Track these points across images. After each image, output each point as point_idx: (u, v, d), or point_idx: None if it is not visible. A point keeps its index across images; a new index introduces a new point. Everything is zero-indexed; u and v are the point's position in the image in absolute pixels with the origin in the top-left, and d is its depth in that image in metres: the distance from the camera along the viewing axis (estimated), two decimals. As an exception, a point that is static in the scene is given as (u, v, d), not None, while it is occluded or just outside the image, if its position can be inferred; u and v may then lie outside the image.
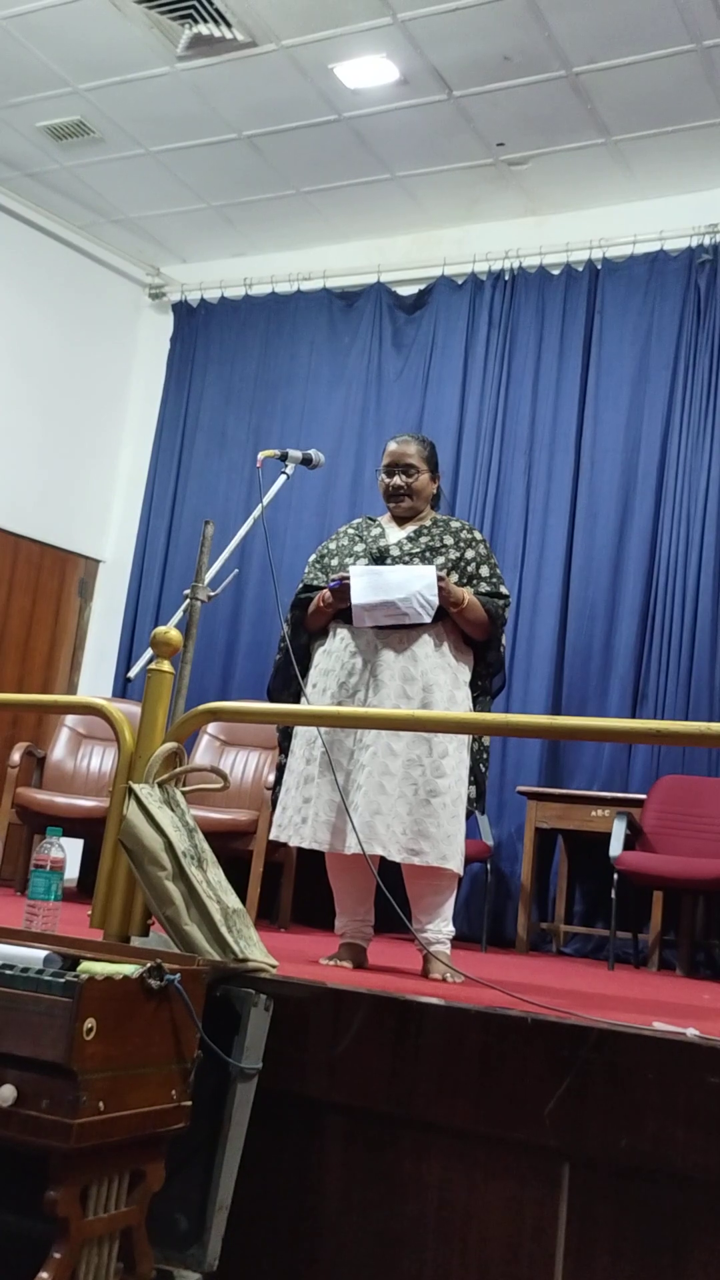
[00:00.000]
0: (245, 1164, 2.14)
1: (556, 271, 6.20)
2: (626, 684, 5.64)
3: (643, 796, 5.29)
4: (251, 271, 7.04)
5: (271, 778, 5.04)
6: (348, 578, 3.27)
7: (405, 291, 6.63)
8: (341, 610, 3.34)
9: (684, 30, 4.91)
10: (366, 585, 3.25)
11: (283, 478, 3.61)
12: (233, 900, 2.37)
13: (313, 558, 3.57)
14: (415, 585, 3.24)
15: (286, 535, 6.46)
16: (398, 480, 3.48)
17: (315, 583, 3.45)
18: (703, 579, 5.56)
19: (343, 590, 3.27)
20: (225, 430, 6.94)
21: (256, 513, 3.42)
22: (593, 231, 6.13)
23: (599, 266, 6.10)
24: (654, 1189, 2.00)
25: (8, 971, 1.83)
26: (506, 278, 6.30)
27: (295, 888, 5.09)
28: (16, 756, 5.42)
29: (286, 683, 3.46)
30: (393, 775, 3.18)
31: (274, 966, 2.34)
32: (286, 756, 3.44)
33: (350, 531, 3.57)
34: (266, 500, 3.47)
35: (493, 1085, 2.10)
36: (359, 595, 3.24)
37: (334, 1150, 2.24)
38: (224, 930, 2.27)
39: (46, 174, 6.56)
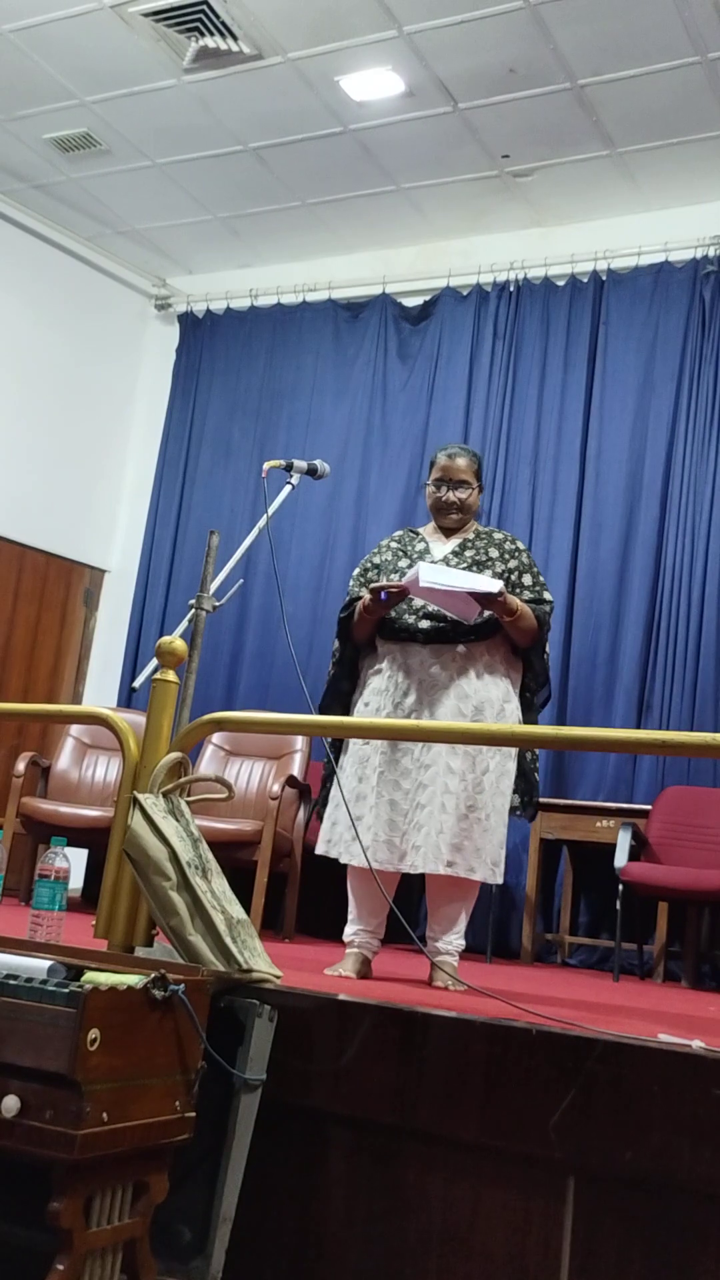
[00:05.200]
0: (249, 1176, 2.14)
1: (561, 283, 6.21)
2: (631, 694, 5.63)
3: (648, 807, 5.28)
4: (257, 283, 7.06)
5: (276, 788, 5.06)
6: (393, 587, 3.27)
7: (410, 302, 6.65)
8: (387, 625, 3.37)
9: (688, 43, 4.92)
10: (435, 571, 3.27)
11: (288, 488, 3.62)
12: (237, 910, 2.37)
13: (356, 571, 3.61)
14: (482, 588, 3.25)
15: (291, 545, 6.47)
16: (450, 496, 3.51)
17: (359, 595, 3.45)
18: (708, 589, 5.56)
19: (389, 599, 3.29)
20: (230, 441, 6.95)
21: (261, 523, 3.43)
22: (598, 243, 6.14)
23: (604, 278, 6.11)
24: (659, 1202, 1.99)
25: (12, 982, 1.82)
26: (511, 289, 6.32)
27: (300, 898, 5.09)
28: (21, 766, 5.42)
29: (337, 698, 3.51)
30: (452, 794, 3.25)
31: (278, 977, 2.34)
32: (335, 768, 3.46)
33: (393, 545, 3.58)
34: (271, 510, 3.47)
35: (497, 1097, 2.09)
36: (428, 577, 3.22)
37: (338, 1162, 2.23)
38: (228, 940, 2.27)
39: (53, 186, 6.59)
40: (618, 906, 4.86)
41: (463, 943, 3.37)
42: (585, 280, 6.15)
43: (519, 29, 4.93)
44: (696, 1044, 2.08)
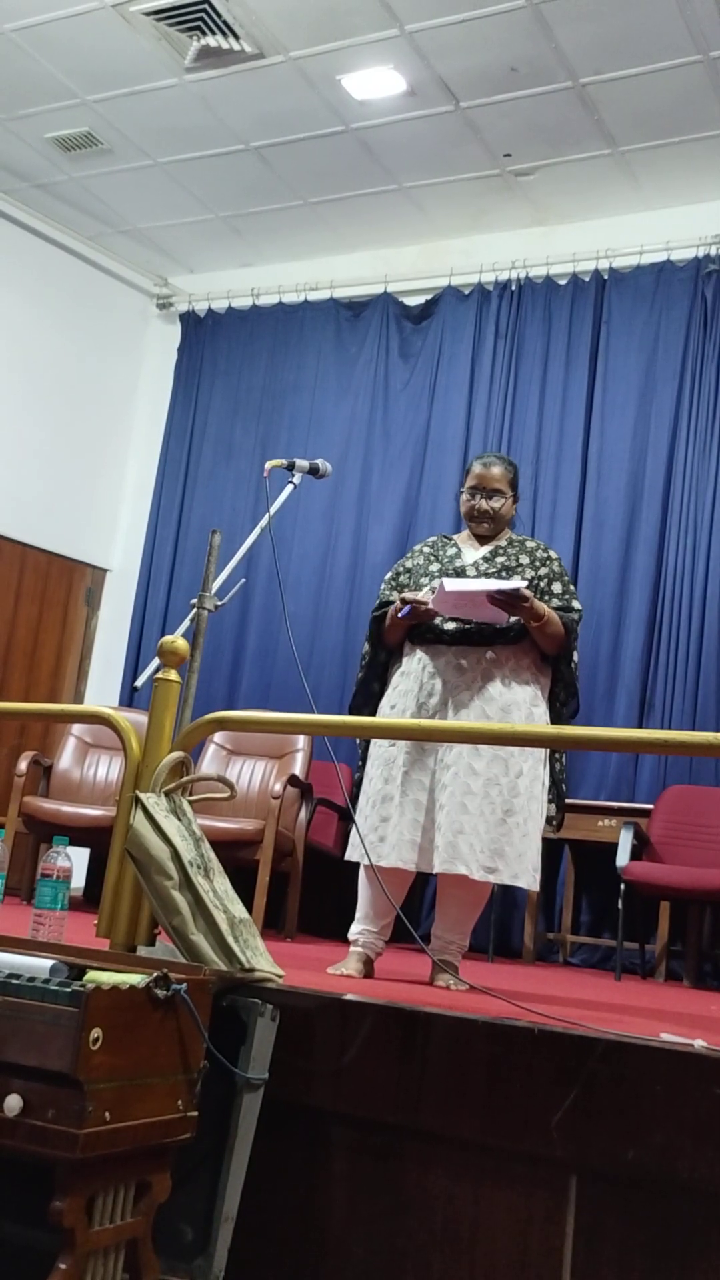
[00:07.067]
0: (251, 1175, 2.14)
1: (563, 282, 6.21)
2: (633, 694, 5.63)
3: (649, 806, 5.28)
4: (259, 282, 7.06)
5: (278, 787, 5.06)
6: (419, 601, 3.28)
7: (412, 302, 6.64)
8: (415, 628, 3.38)
9: (690, 41, 4.92)
10: (457, 583, 3.29)
11: (289, 487, 3.62)
12: (239, 910, 2.37)
13: (389, 575, 3.62)
14: (505, 587, 3.26)
15: (293, 545, 6.47)
16: (483, 505, 3.52)
17: (391, 599, 3.47)
18: (709, 588, 5.55)
19: (413, 613, 3.29)
20: (232, 440, 6.95)
21: (263, 522, 3.43)
22: (599, 242, 6.13)
23: (605, 277, 6.10)
24: (661, 1201, 1.99)
25: (14, 981, 1.83)
26: (513, 288, 6.31)
27: (301, 897, 5.09)
28: (23, 765, 5.43)
29: (367, 700, 3.52)
30: (474, 795, 3.24)
31: (280, 976, 2.34)
32: (363, 772, 3.47)
33: (426, 550, 3.60)
34: (273, 510, 3.48)
35: (499, 1096, 2.09)
36: (452, 586, 3.25)
37: (340, 1161, 2.23)
38: (230, 940, 2.27)
39: (55, 185, 6.59)
40: (619, 906, 4.86)
41: (466, 943, 3.38)
42: (587, 279, 6.14)
43: (521, 28, 4.93)
44: (698, 1043, 2.08)
